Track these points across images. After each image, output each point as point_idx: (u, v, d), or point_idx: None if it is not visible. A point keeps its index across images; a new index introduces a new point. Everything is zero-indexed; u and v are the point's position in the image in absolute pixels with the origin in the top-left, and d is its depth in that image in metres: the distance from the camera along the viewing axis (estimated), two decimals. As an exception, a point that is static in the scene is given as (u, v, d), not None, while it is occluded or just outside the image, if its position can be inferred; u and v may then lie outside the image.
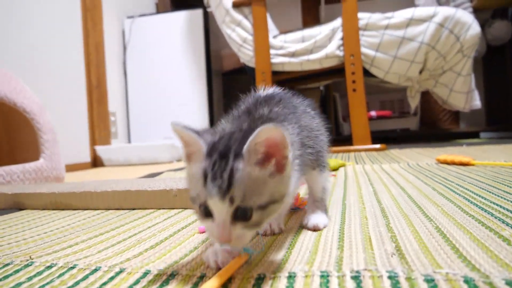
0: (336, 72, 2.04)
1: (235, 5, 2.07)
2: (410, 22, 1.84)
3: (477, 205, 0.52)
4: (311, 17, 3.07)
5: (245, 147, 0.31)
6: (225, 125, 0.41)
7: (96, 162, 2.30)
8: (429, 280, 0.28)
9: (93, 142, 2.29)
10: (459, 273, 0.29)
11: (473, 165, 0.99)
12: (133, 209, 0.70)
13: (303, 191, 0.72)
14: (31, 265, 0.40)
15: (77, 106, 2.19)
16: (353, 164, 1.22)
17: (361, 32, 1.90)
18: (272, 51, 2.03)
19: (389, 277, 0.29)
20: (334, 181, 0.88)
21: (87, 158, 2.24)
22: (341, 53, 1.93)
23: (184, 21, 2.61)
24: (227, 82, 3.00)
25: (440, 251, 0.35)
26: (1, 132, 1.26)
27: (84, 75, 2.24)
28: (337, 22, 1.95)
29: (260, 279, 0.32)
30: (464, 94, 1.96)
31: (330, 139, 0.52)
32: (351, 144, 1.93)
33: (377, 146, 1.84)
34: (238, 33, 2.10)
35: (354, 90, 1.93)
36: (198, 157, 0.33)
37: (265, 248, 0.40)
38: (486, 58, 2.65)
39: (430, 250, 0.35)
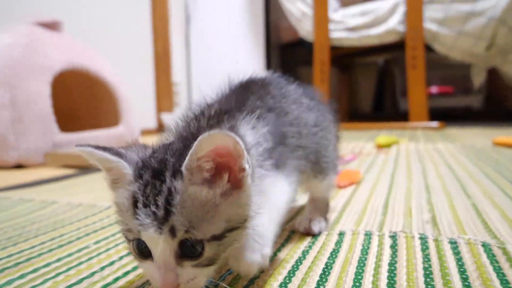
0: (396, 47, 2.01)
1: (296, -21, 2.09)
2: (480, -4, 1.75)
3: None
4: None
5: (185, 162, 0.24)
6: (174, 130, 0.31)
7: (161, 128, 2.49)
8: (452, 243, 0.35)
9: (159, 109, 2.47)
10: (479, 239, 0.36)
11: (531, 148, 0.99)
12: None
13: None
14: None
15: (145, 76, 2.37)
16: (406, 141, 1.25)
17: (425, 6, 1.85)
18: (331, 26, 2.04)
19: (420, 238, 0.37)
20: (386, 157, 0.93)
21: (153, 124, 2.43)
22: (402, 28, 1.89)
23: (245, -7, 2.66)
24: (285, 55, 3.03)
25: (469, 223, 0.41)
26: (86, 102, 1.43)
27: (151, 47, 2.40)
28: (400, -5, 1.91)
29: (316, 236, 0.40)
30: (534, 73, 1.86)
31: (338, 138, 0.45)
32: (407, 120, 1.93)
33: (435, 124, 1.82)
34: (298, 7, 2.12)
35: (413, 66, 1.90)
36: (123, 182, 0.26)
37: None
38: None
39: (461, 221, 0.42)
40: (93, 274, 0.33)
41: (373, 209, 0.48)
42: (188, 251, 0.24)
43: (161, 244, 0.23)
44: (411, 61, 1.90)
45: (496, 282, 0.28)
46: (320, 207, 0.42)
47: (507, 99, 2.65)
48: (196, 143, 0.23)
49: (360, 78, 2.94)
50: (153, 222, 0.23)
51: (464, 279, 0.28)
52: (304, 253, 0.35)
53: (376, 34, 1.95)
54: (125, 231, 0.25)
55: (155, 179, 0.24)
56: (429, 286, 0.28)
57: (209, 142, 0.23)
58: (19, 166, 1.03)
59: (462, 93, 2.70)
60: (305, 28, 2.13)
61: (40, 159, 1.03)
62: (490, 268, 0.30)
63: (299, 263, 0.33)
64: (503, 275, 0.29)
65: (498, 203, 0.49)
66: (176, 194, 0.23)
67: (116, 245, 0.39)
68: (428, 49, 1.93)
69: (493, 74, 2.48)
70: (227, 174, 0.25)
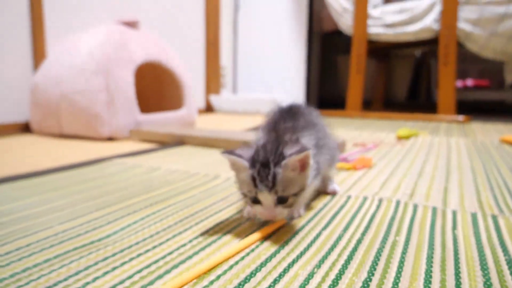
0: (430, 42, 2.15)
1: (340, -24, 2.25)
2: (514, -1, 1.86)
3: (490, 185, 0.78)
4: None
5: (286, 161, 0.44)
6: (261, 135, 0.54)
7: (208, 108, 2.77)
8: (415, 206, 0.58)
9: (208, 91, 2.75)
10: (432, 204, 0.59)
11: (530, 147, 1.17)
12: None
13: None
14: (218, 177, 0.78)
15: (197, 60, 2.64)
16: (426, 134, 1.44)
17: (460, 7, 1.97)
18: (369, 22, 2.20)
19: (396, 202, 0.60)
20: (401, 148, 1.14)
21: (202, 105, 2.72)
22: (436, 27, 2.03)
23: (290, -15, 2.84)
24: (325, 44, 3.20)
25: (435, 197, 0.64)
26: (155, 88, 1.72)
27: (204, 33, 2.66)
28: (437, -5, 2.03)
29: (333, 196, 0.64)
30: None
31: None
32: (436, 112, 2.08)
33: (460, 118, 1.97)
34: (339, 2, 2.29)
35: (445, 63, 2.04)
36: (241, 169, 0.46)
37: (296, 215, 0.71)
38: None
39: (429, 196, 0.64)
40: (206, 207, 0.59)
41: (374, 184, 0.72)
42: (280, 201, 0.45)
43: (269, 199, 0.45)
44: (443, 58, 2.04)
45: (423, 229, 0.51)
46: (330, 180, 0.67)
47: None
48: (298, 154, 0.43)
49: (397, 68, 3.06)
50: (266, 188, 0.44)
51: (410, 227, 0.52)
52: (325, 205, 0.59)
53: (412, 31, 2.09)
54: (246, 191, 0.46)
55: (264, 167, 0.44)
56: (382, 230, 0.51)
57: (299, 156, 0.44)
58: (110, 139, 1.33)
59: (497, 87, 2.78)
60: (345, 23, 2.30)
61: (126, 134, 1.33)
62: (428, 220, 0.53)
63: (323, 210, 0.57)
64: (433, 225, 0.52)
65: (464, 186, 0.71)
66: (278, 175, 0.44)
67: (215, 193, 0.65)
68: (462, 45, 2.06)
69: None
70: (301, 164, 0.46)
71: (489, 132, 1.53)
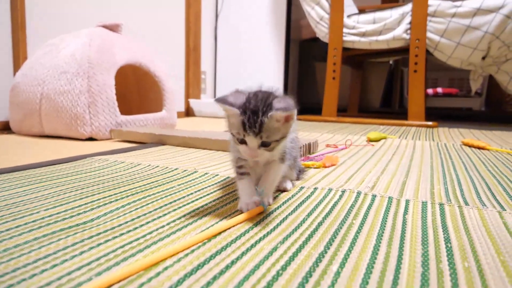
0: (401, 51, 2.26)
1: (317, -14, 2.34)
2: (477, 12, 1.98)
3: (445, 179, 0.85)
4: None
5: (273, 113, 0.48)
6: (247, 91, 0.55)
7: (188, 112, 2.81)
8: (373, 196, 0.65)
9: (187, 95, 2.78)
10: (388, 195, 0.65)
11: (488, 149, 1.26)
12: (231, 152, 1.12)
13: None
14: (196, 172, 0.83)
15: (177, 66, 2.68)
16: (394, 137, 1.53)
17: (429, 18, 2.09)
18: (345, 30, 2.30)
19: (357, 193, 0.66)
20: (370, 148, 1.22)
21: (182, 108, 2.75)
22: (407, 36, 2.14)
23: (270, -7, 2.92)
24: (304, 50, 3.29)
25: (392, 190, 0.70)
26: (136, 90, 1.75)
27: (184, 39, 2.70)
28: (407, 7, 2.15)
29: (301, 189, 0.70)
30: (523, 83, 2.09)
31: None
32: (407, 118, 2.19)
33: (429, 123, 2.08)
34: (316, 11, 2.38)
35: (415, 71, 2.15)
36: (233, 115, 0.51)
37: (271, 204, 0.77)
38: None
39: (389, 188, 0.71)
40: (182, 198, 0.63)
41: (340, 179, 0.78)
42: (264, 145, 0.51)
43: (254, 142, 0.51)
44: (414, 66, 2.15)
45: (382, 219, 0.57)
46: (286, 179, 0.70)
47: (506, 102, 2.87)
48: (277, 111, 0.48)
49: (371, 77, 3.18)
50: (253, 134, 0.50)
51: (366, 212, 0.58)
52: (293, 196, 0.65)
53: (385, 39, 2.20)
54: (235, 133, 0.52)
55: (253, 114, 0.50)
56: (341, 215, 0.57)
57: (285, 113, 0.49)
58: (91, 139, 1.36)
59: (465, 95, 2.92)
60: (322, 30, 2.39)
61: (107, 134, 1.35)
62: (383, 207, 0.59)
63: (295, 196, 0.63)
64: (388, 211, 0.58)
65: (421, 181, 0.78)
66: (263, 124, 0.49)
67: (186, 188, 0.70)
68: (431, 54, 2.17)
69: (493, 79, 2.70)
70: (286, 118, 0.51)
71: (454, 136, 1.63)
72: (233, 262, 0.39)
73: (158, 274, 0.37)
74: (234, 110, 0.51)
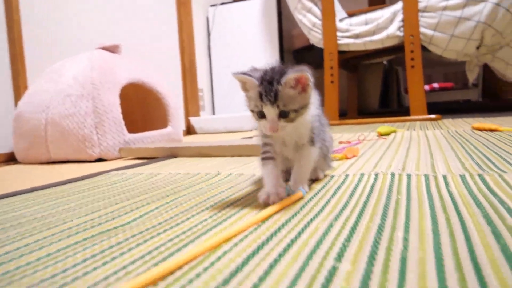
0: (397, 49, 2.28)
1: (306, -6, 2.37)
2: (467, 3, 2.01)
3: (471, 157, 0.84)
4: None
5: (284, 79, 0.48)
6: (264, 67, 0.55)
7: (189, 130, 2.80)
8: (408, 175, 0.63)
9: (187, 114, 2.78)
10: (423, 173, 0.63)
11: (500, 131, 1.26)
12: (250, 155, 1.10)
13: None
14: (219, 174, 0.81)
15: (175, 84, 2.68)
16: (403, 131, 1.52)
17: (420, 14, 2.11)
18: (338, 34, 2.32)
19: (391, 174, 0.65)
20: (384, 141, 1.21)
21: (182, 127, 2.74)
22: (401, 34, 2.16)
23: (259, 6, 2.96)
24: (298, 59, 3.31)
25: (423, 170, 0.69)
26: (139, 109, 1.74)
27: (179, 59, 2.71)
28: (398, 5, 2.18)
29: (332, 177, 0.68)
30: (520, 68, 2.10)
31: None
32: (409, 114, 2.19)
33: (432, 116, 2.08)
34: (308, 18, 2.41)
35: (412, 66, 2.16)
36: (251, 87, 0.51)
37: (309, 190, 0.76)
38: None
39: (419, 169, 0.70)
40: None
41: (367, 166, 0.77)
42: (282, 115, 0.50)
43: (272, 112, 0.50)
44: (410, 62, 2.16)
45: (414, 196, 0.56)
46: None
47: (502, 91, 2.89)
48: (288, 75, 0.48)
49: (367, 78, 3.20)
50: (270, 102, 0.49)
51: (408, 189, 0.56)
52: (326, 184, 0.63)
53: (379, 38, 2.22)
54: (253, 106, 0.52)
55: (269, 85, 0.49)
56: (391, 192, 0.56)
57: (295, 75, 0.49)
58: (100, 160, 1.34)
59: (461, 88, 2.94)
60: (316, 36, 2.41)
61: (116, 154, 1.34)
62: (423, 184, 0.58)
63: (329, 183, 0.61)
64: (428, 186, 0.57)
65: (449, 160, 0.76)
66: (278, 92, 0.49)
67: (204, 192, 0.68)
68: (426, 48, 2.19)
69: (488, 69, 2.72)
70: (300, 85, 0.51)
71: (460, 125, 1.62)
72: (292, 241, 0.37)
73: (219, 258, 0.35)
74: (252, 80, 0.51)
